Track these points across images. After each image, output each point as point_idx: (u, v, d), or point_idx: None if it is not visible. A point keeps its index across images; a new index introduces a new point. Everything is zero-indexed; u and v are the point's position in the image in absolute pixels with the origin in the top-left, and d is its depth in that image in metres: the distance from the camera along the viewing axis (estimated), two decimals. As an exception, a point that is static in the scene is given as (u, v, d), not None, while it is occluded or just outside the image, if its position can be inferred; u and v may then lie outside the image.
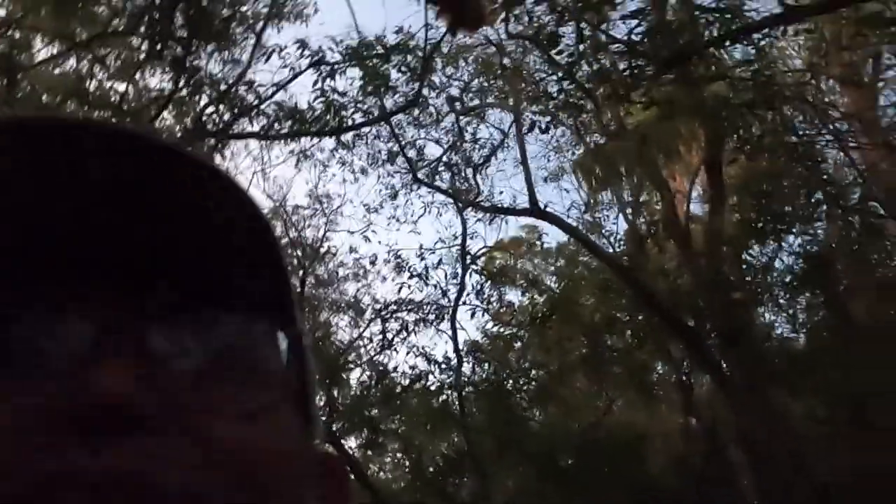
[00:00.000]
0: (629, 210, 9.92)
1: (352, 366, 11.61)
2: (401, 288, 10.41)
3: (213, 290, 0.38)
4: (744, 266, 8.87)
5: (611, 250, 9.74)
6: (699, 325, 8.32)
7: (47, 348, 0.34)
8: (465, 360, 10.26)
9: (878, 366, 6.76)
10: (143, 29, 8.12)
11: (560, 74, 9.48)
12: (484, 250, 10.35)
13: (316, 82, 8.44)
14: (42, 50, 8.84)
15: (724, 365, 8.06)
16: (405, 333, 10.61)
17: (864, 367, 6.88)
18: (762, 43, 7.50)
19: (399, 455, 12.41)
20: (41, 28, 8.39)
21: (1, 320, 0.34)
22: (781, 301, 8.70)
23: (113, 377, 0.32)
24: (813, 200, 8.77)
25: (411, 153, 9.75)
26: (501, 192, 10.50)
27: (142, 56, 8.44)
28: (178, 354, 0.36)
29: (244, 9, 8.61)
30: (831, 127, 8.22)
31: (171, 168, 0.37)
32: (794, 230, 8.74)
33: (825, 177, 8.54)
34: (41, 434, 0.31)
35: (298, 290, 11.59)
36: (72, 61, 9.09)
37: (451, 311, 10.17)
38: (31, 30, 8.35)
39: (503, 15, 8.34)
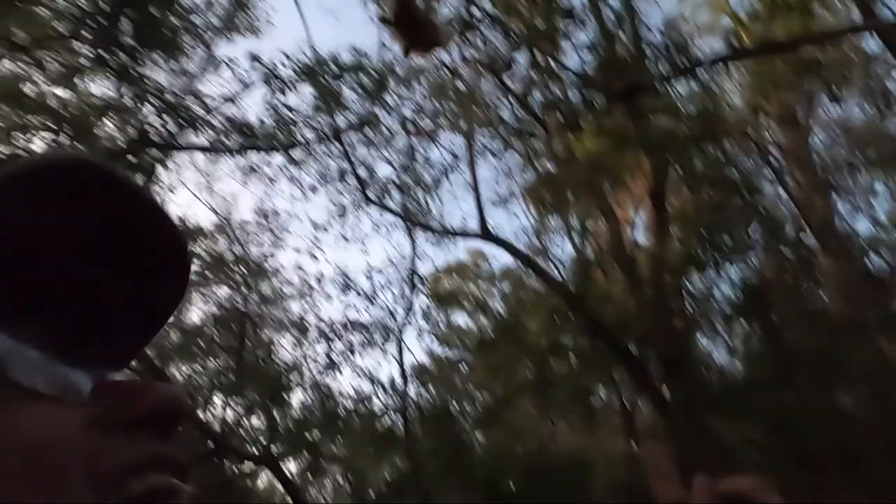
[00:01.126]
0: (576, 236, 10.08)
1: (294, 387, 11.35)
2: (347, 307, 10.27)
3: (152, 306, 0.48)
4: (685, 294, 9.09)
5: (558, 276, 9.85)
6: (642, 352, 8.47)
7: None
8: (410, 382, 10.16)
9: (809, 392, 7.01)
10: (86, 34, 7.86)
11: (512, 100, 9.64)
12: (432, 271, 10.32)
13: (267, 97, 8.33)
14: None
15: (665, 391, 8.22)
16: (350, 354, 10.46)
17: (797, 393, 7.12)
18: (706, 81, 7.79)
19: (341, 479, 12.15)
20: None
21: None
22: (720, 329, 8.94)
23: (169, 390, 0.41)
24: (750, 232, 9.10)
25: (362, 172, 9.69)
26: (451, 215, 10.52)
27: (84, 62, 8.16)
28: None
29: (194, 18, 8.44)
30: (769, 162, 8.57)
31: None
32: (732, 261, 9.02)
33: (762, 210, 8.87)
34: (129, 433, 0.39)
35: (241, 307, 11.32)
36: (8, 63, 8.72)
37: (397, 333, 10.09)
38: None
39: (457, 38, 8.42)
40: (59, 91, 9.00)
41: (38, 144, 8.44)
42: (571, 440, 9.05)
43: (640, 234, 9.60)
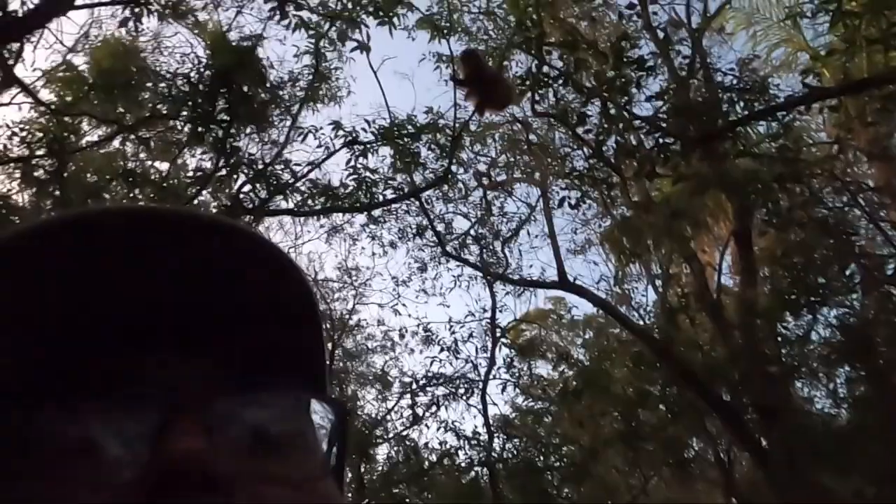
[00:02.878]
0: (658, 282, 9.90)
1: (379, 441, 11.45)
2: (431, 361, 10.37)
3: (265, 361, 0.44)
4: (779, 339, 8.74)
5: (641, 323, 9.67)
6: (736, 400, 8.15)
7: (124, 422, 0.38)
8: (495, 435, 10.09)
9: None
10: (185, 112, 8.51)
11: (586, 150, 9.71)
12: (513, 322, 10.33)
13: (349, 161, 8.73)
14: (89, 132, 9.30)
15: (764, 441, 7.84)
16: (435, 408, 10.51)
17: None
18: (787, 119, 7.64)
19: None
20: (89, 112, 8.83)
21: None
22: (820, 375, 8.51)
23: (187, 442, 0.37)
24: (847, 272, 8.70)
25: (440, 227, 9.92)
26: (530, 266, 10.57)
27: (184, 138, 8.82)
28: (236, 424, 0.40)
29: (281, 92, 9.01)
30: (860, 199, 8.25)
31: (238, 249, 0.44)
32: (828, 303, 8.64)
33: (857, 248, 8.50)
34: (135, 495, 0.36)
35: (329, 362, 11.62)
36: (117, 143, 9.52)
37: (481, 385, 10.09)
38: (80, 114, 8.79)
39: (529, 95, 8.63)
40: (162, 165, 9.75)
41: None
42: (664, 494, 8.71)
43: (726, 277, 9.35)
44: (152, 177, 8.97)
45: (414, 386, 10.66)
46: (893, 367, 8.22)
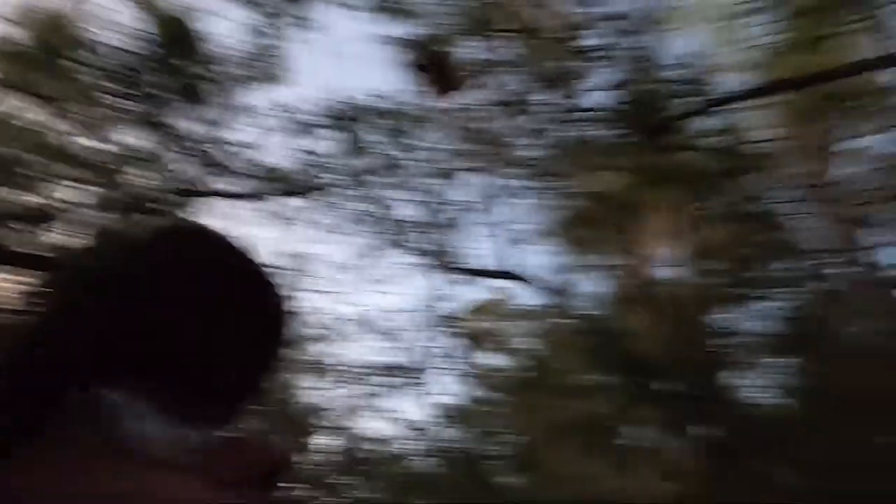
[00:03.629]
0: (603, 274, 9.99)
1: (316, 430, 11.20)
2: (371, 350, 10.19)
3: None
4: (716, 330, 8.96)
5: (584, 314, 9.74)
6: (677, 390, 8.31)
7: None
8: (438, 424, 10.01)
9: (854, 434, 6.80)
10: (112, 85, 7.99)
11: (533, 139, 9.66)
12: (458, 313, 10.24)
13: (288, 142, 8.40)
14: (3, 102, 8.60)
15: (700, 430, 8.04)
16: (375, 397, 10.33)
17: (840, 434, 6.92)
18: (731, 115, 7.80)
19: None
20: (6, 81, 8.18)
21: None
22: (758, 366, 8.79)
23: (279, 447, 0.47)
24: (780, 266, 8.99)
25: (384, 214, 9.69)
26: (475, 254, 10.48)
27: (111, 113, 8.27)
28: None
29: (219, 68, 8.56)
30: (798, 196, 8.51)
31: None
32: (762, 295, 8.90)
33: (791, 243, 8.78)
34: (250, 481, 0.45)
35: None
36: (34, 114, 8.85)
37: (422, 374, 9.97)
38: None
39: (476, 81, 8.52)
40: (86, 141, 9.12)
41: (65, 193, 8.51)
42: (607, 482, 8.85)
43: (666, 269, 9.50)
44: (75, 151, 8.37)
45: (352, 374, 10.44)
46: (821, 358, 8.55)
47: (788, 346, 8.03)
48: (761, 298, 8.82)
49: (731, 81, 8.51)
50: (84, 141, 9.26)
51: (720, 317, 9.20)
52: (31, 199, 8.34)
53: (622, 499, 8.13)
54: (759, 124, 8.45)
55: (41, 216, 8.32)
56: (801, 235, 8.59)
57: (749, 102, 7.72)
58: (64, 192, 8.54)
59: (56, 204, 8.44)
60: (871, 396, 6.55)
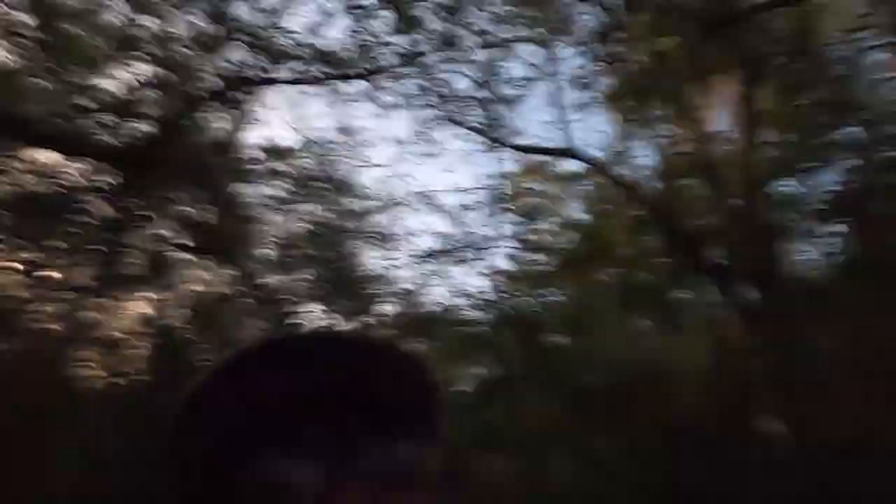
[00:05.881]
0: (660, 144, 9.94)
1: (385, 297, 11.88)
2: (432, 222, 10.57)
3: (400, 431, 0.58)
4: (774, 201, 8.98)
5: (640, 184, 9.83)
6: (729, 261, 8.54)
7: (296, 482, 0.53)
8: (497, 291, 10.59)
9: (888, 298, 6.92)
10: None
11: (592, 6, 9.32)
12: (513, 184, 10.47)
13: (348, 24, 8.37)
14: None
15: (754, 302, 8.32)
16: (438, 266, 10.88)
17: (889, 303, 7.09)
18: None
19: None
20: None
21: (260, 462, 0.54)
22: (811, 234, 8.84)
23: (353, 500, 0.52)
24: (845, 132, 8.75)
25: (442, 90, 9.70)
26: (532, 127, 10.50)
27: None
28: (386, 478, 0.55)
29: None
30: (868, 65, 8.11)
31: (380, 361, 0.62)
32: (825, 165, 8.78)
33: (859, 111, 8.48)
34: None
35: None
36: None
37: (483, 244, 10.43)
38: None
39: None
40: (147, 22, 9.20)
41: (128, 75, 8.69)
42: (655, 345, 9.38)
43: (727, 140, 9.38)
44: (148, 41, 8.52)
45: (416, 245, 10.97)
46: (881, 227, 8.52)
47: (837, 212, 8.02)
48: (823, 167, 8.72)
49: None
50: (147, 22, 9.37)
51: (781, 187, 9.17)
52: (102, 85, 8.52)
53: (667, 361, 8.66)
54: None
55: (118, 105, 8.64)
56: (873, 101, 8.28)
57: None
58: (128, 75, 8.66)
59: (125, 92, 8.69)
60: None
